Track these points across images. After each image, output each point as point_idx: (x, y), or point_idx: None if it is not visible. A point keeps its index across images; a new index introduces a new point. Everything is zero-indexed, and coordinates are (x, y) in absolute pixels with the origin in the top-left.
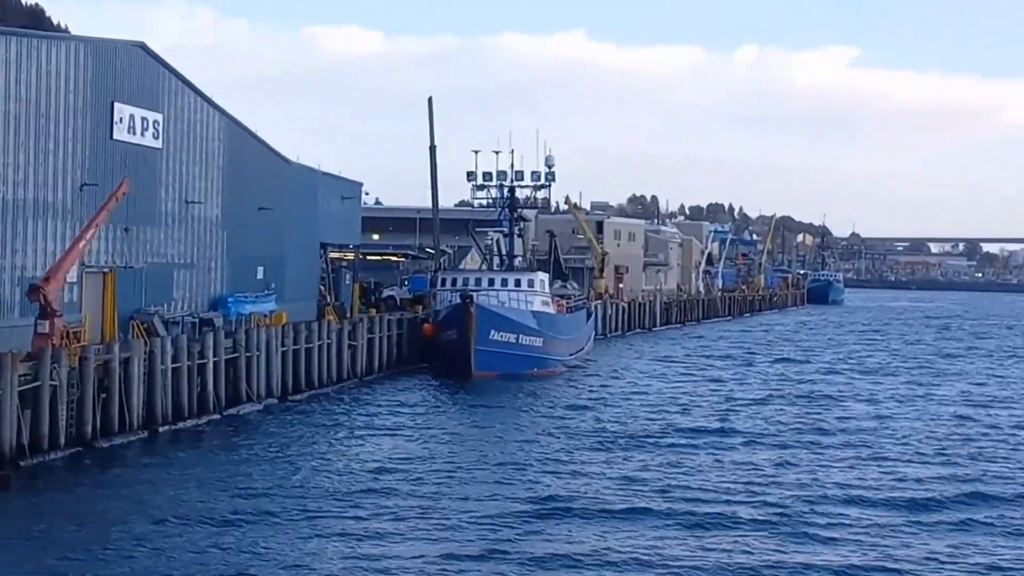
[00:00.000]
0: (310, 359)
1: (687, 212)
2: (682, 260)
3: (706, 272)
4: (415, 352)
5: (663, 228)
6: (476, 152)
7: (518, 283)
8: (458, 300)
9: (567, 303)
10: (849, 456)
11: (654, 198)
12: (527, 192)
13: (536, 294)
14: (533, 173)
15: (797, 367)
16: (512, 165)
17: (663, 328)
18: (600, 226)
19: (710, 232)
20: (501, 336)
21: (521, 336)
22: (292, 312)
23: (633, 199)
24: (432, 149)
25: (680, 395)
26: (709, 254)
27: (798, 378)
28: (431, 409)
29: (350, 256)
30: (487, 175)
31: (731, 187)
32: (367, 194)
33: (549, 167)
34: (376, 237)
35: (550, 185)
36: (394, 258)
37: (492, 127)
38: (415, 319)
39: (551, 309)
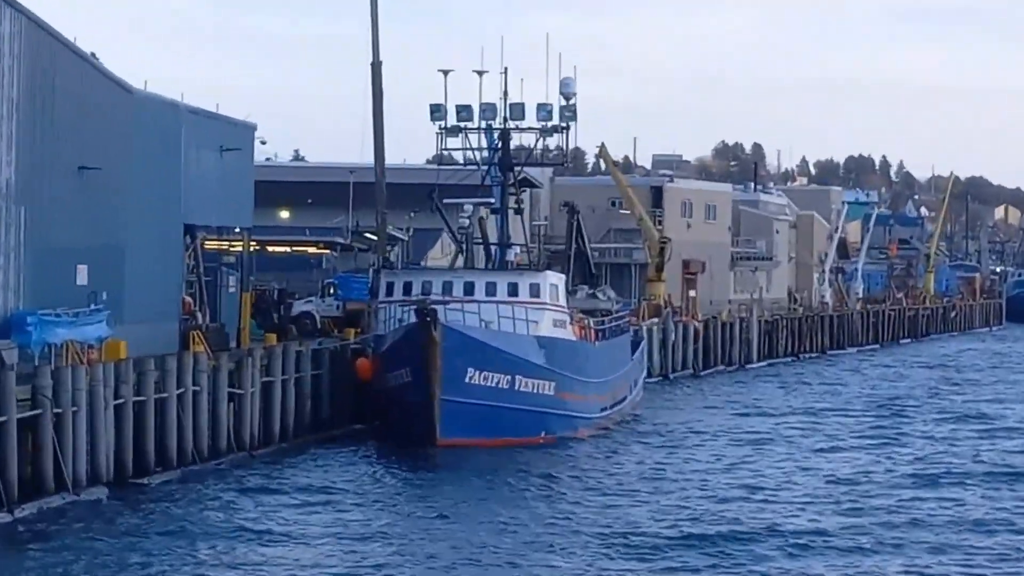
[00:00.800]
0: (164, 419)
1: (812, 171)
2: (797, 250)
3: (837, 270)
4: (344, 406)
5: (765, 197)
6: (445, 73)
7: (514, 290)
8: (412, 318)
9: (597, 324)
10: None
11: (757, 148)
12: (531, 139)
13: (544, 308)
14: (540, 107)
15: (980, 428)
16: (506, 94)
17: (763, 364)
18: (658, 194)
19: (844, 204)
20: (484, 378)
21: (518, 379)
22: (137, 339)
23: (723, 150)
24: (375, 67)
25: (777, 475)
26: (843, 240)
27: (980, 448)
28: (368, 502)
29: (238, 247)
30: (463, 111)
31: (886, 130)
32: (263, 142)
33: (567, 97)
34: (285, 215)
35: (568, 128)
36: (313, 249)
37: (474, 32)
38: (343, 350)
39: (569, 333)
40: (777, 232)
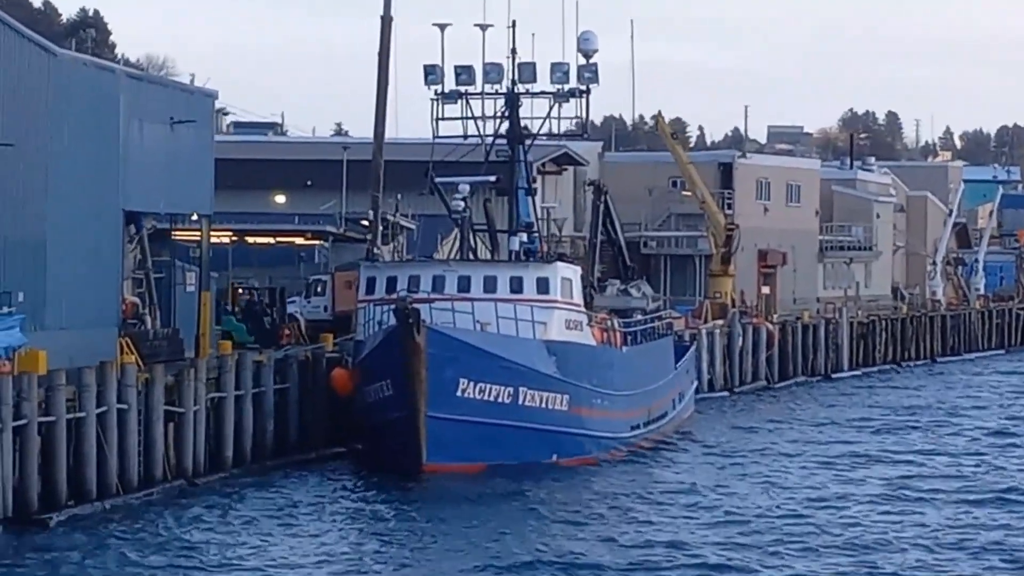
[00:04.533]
0: (81, 444)
1: (957, 145)
2: (907, 239)
3: (956, 261)
4: (317, 425)
5: (864, 175)
6: (442, 28)
7: (518, 285)
8: (392, 319)
9: (626, 325)
10: None
11: (892, 117)
12: (547, 108)
13: (554, 307)
14: (555, 67)
15: None
16: (514, 52)
17: (855, 374)
18: (728, 172)
19: (961, 184)
20: (479, 391)
21: (522, 391)
22: (64, 349)
23: (851, 120)
24: (386, 21)
25: (870, 525)
26: (962, 227)
27: None
28: (330, 539)
29: (197, 236)
30: (463, 72)
31: None
32: (225, 113)
33: (587, 55)
34: (281, 200)
35: (588, 91)
36: (300, 240)
37: None
38: (317, 359)
39: (588, 336)
40: (878, 216)
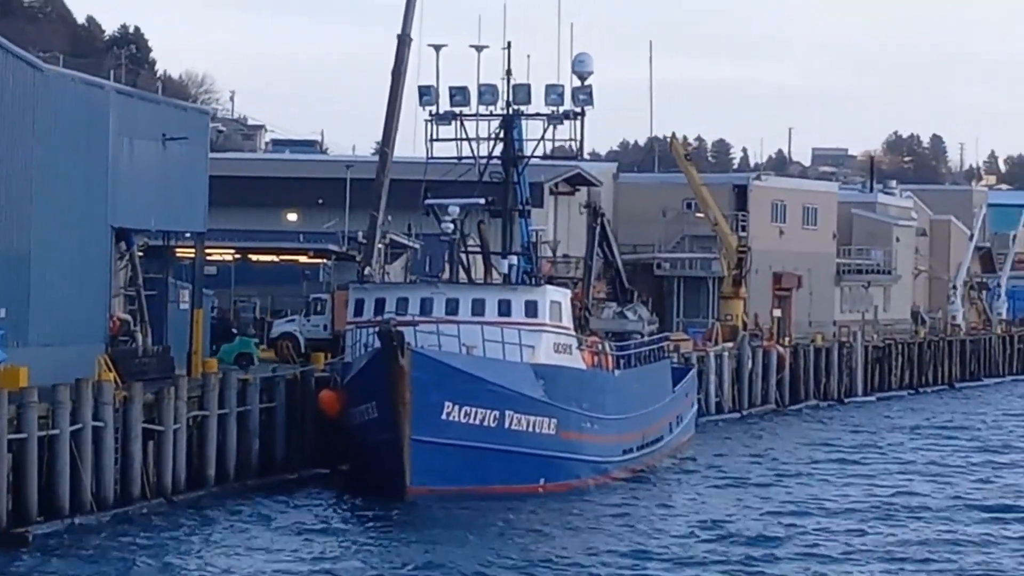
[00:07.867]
0: (54, 461)
1: (1001, 169)
2: (930, 263)
3: (978, 285)
4: (304, 446)
5: (884, 198)
6: (437, 49)
7: (506, 308)
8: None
9: (619, 349)
10: None
11: (936, 140)
12: (542, 129)
13: (542, 330)
14: (549, 89)
15: None
16: (509, 73)
17: (868, 398)
18: (743, 194)
19: (983, 208)
20: (464, 415)
21: (508, 415)
22: (47, 365)
23: (895, 143)
24: (403, 40)
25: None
26: (986, 251)
27: None
28: (311, 569)
29: (191, 253)
30: (457, 92)
31: None
32: (220, 131)
33: (581, 77)
34: (293, 218)
35: (582, 113)
36: (304, 259)
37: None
38: (305, 379)
39: (577, 360)
40: (898, 240)
